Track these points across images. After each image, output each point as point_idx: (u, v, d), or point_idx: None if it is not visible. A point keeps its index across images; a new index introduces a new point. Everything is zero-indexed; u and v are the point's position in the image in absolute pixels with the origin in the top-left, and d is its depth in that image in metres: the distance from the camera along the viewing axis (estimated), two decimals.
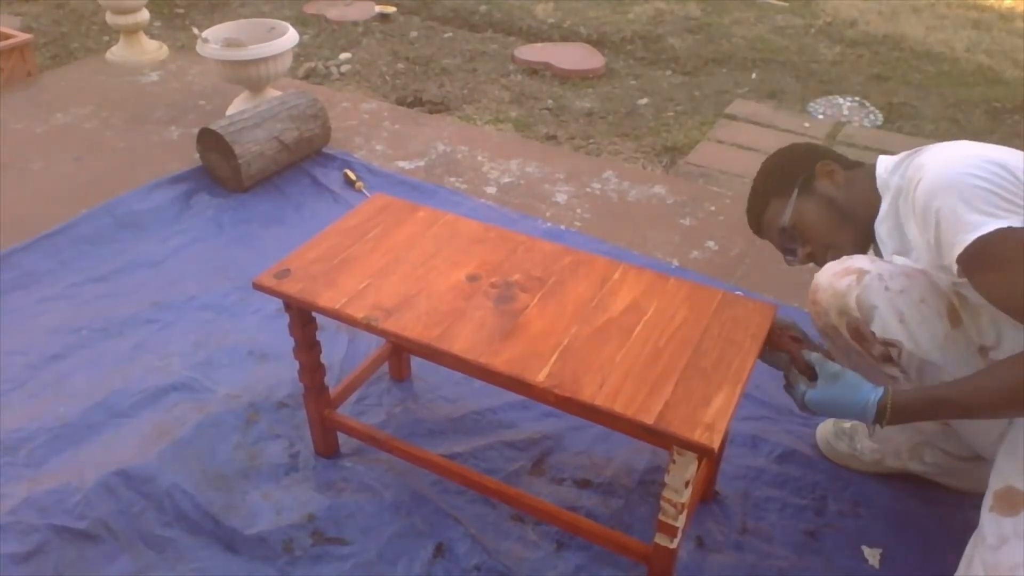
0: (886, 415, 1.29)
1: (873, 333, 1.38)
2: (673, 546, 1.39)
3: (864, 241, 1.49)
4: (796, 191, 1.53)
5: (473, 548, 1.60)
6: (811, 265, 2.46)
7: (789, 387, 1.40)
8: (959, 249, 1.20)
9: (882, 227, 1.44)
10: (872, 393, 1.30)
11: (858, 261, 1.40)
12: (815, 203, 1.51)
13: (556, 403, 1.32)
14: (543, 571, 1.57)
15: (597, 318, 1.44)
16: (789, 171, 1.56)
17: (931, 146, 1.38)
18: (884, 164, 1.46)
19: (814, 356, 1.38)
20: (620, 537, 1.51)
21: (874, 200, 1.45)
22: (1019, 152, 1.30)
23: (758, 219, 1.63)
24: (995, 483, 1.30)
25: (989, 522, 1.28)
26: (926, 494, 1.73)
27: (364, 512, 1.66)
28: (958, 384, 1.28)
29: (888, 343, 1.37)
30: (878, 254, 1.48)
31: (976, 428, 1.46)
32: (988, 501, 1.30)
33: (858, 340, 1.42)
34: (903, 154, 1.44)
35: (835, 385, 1.33)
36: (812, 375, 1.37)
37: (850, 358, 1.47)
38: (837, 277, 1.41)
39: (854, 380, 1.32)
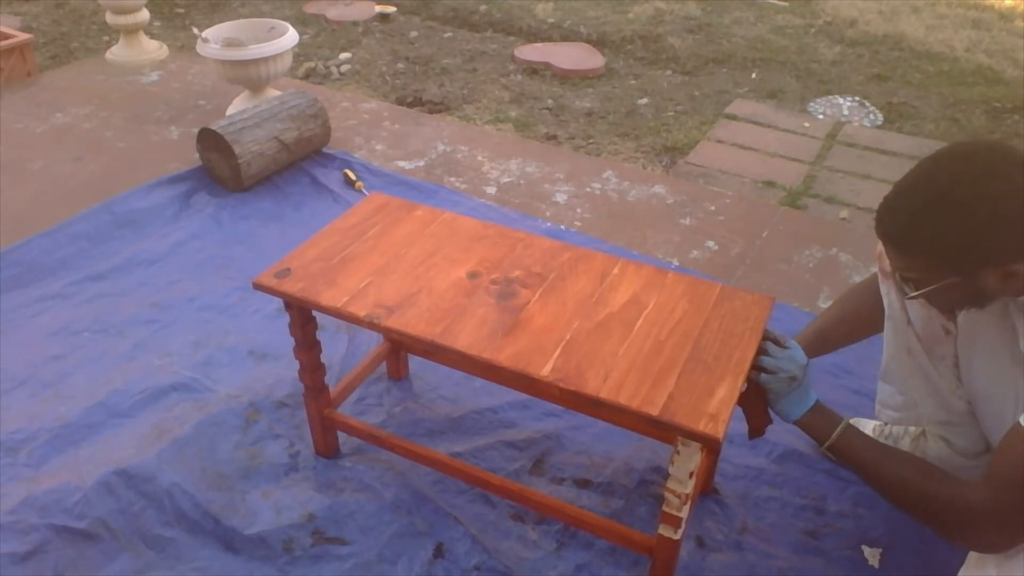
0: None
1: None
2: (677, 537, 1.39)
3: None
4: (962, 276, 1.20)
5: (473, 548, 1.60)
6: (811, 265, 2.49)
7: (773, 357, 1.41)
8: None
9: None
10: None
11: None
12: (965, 288, 1.22)
13: (560, 397, 1.32)
14: (543, 571, 1.56)
15: (598, 313, 1.44)
16: (977, 250, 1.15)
17: None
18: None
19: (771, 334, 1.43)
20: (624, 530, 1.51)
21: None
22: None
23: (902, 246, 1.22)
24: None
25: None
26: None
27: (364, 512, 1.66)
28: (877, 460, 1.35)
29: None
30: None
31: (995, 419, 1.45)
32: None
33: None
34: None
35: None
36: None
37: (906, 305, 1.46)
38: None
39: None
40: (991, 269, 1.16)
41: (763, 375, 1.39)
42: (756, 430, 1.47)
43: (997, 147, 1.15)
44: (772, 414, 1.46)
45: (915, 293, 1.27)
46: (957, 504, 1.23)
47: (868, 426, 1.79)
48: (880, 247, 1.52)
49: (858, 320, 1.63)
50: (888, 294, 1.52)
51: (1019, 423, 1.19)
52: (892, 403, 1.64)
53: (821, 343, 1.65)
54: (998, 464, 1.21)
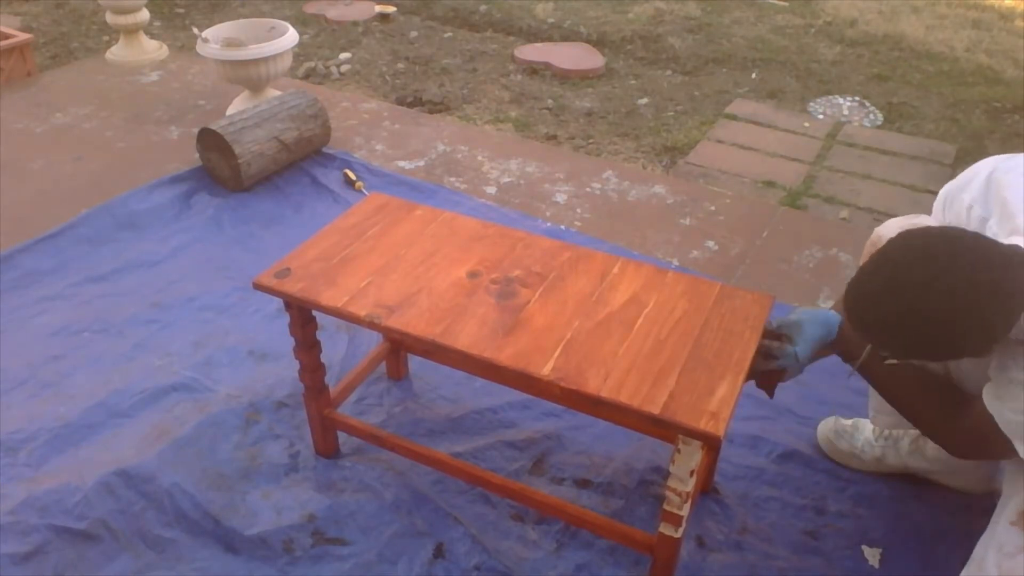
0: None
1: None
2: (678, 535, 1.39)
3: None
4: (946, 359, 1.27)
5: (473, 548, 1.60)
6: (811, 265, 2.49)
7: (775, 357, 1.42)
8: (987, 400, 1.24)
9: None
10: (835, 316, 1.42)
11: (925, 218, 1.42)
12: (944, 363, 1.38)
13: (561, 396, 1.33)
14: (543, 571, 1.56)
15: (598, 312, 1.44)
16: (950, 354, 1.17)
17: None
18: None
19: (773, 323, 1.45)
20: (625, 529, 1.52)
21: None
22: None
23: (881, 341, 1.21)
24: (1020, 501, 1.32)
25: (1010, 534, 1.29)
26: (926, 494, 1.73)
27: (364, 512, 1.66)
28: (910, 392, 1.40)
29: None
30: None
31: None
32: (1010, 515, 1.31)
33: None
34: None
35: (805, 311, 1.43)
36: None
37: None
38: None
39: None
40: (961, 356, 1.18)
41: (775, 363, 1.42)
42: (768, 388, 1.51)
43: (949, 245, 1.11)
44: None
45: (890, 362, 1.26)
46: (945, 437, 1.38)
47: (868, 427, 1.79)
48: (869, 243, 1.53)
49: None
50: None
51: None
52: (886, 408, 1.64)
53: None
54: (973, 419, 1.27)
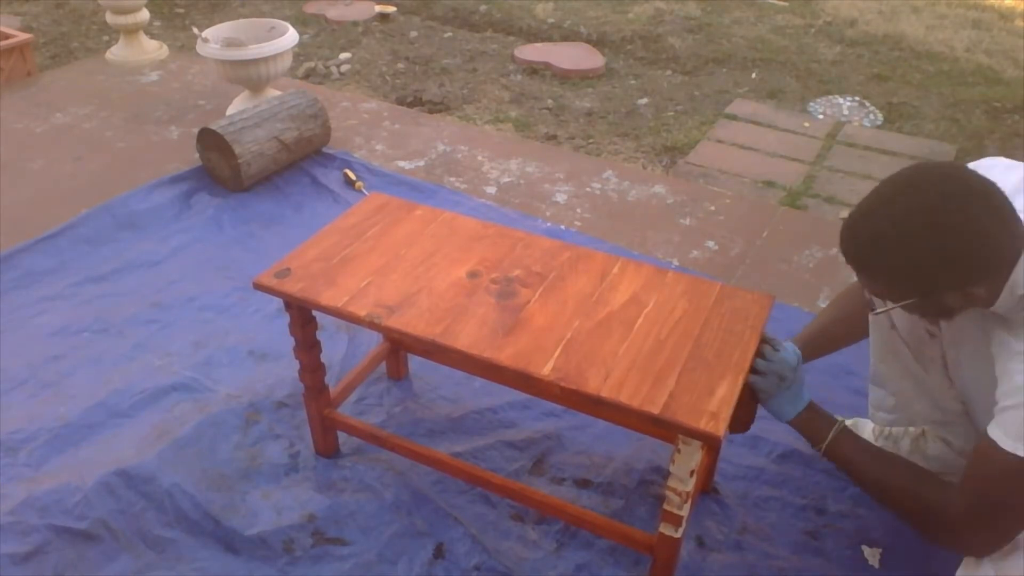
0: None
1: None
2: (678, 535, 1.39)
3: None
4: (922, 297, 1.22)
5: (473, 548, 1.59)
6: (811, 265, 2.49)
7: (767, 359, 1.41)
8: (1000, 433, 1.19)
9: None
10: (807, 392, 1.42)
11: None
12: (932, 305, 1.25)
13: (561, 396, 1.33)
14: (543, 571, 1.56)
15: (598, 312, 1.44)
16: (942, 274, 1.17)
17: None
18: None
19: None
20: (625, 529, 1.51)
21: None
22: None
23: (871, 274, 1.25)
24: None
25: None
26: None
27: (364, 512, 1.66)
28: (876, 460, 1.39)
29: None
30: None
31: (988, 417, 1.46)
32: None
33: None
34: None
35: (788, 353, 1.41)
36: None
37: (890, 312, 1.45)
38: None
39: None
40: (950, 291, 1.19)
41: (753, 375, 1.40)
42: (740, 425, 1.50)
43: (953, 174, 1.16)
44: (765, 413, 1.46)
45: (879, 310, 1.31)
46: (937, 511, 1.29)
47: (868, 427, 1.79)
48: None
49: (854, 319, 1.64)
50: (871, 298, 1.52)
51: (987, 435, 1.21)
52: (884, 405, 1.64)
53: (819, 344, 1.65)
54: (971, 474, 1.25)
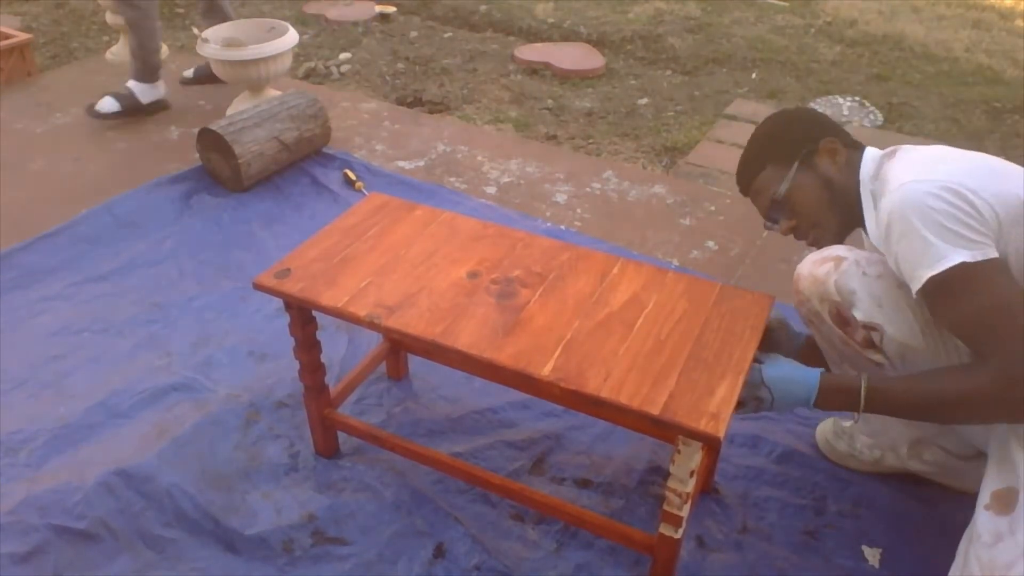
0: (828, 396, 1.35)
1: (855, 317, 1.42)
2: (678, 536, 1.39)
3: (849, 225, 1.51)
4: (797, 163, 1.48)
5: (473, 548, 1.59)
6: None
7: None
8: (918, 284, 1.25)
9: (869, 222, 1.44)
10: (813, 373, 1.36)
11: (836, 250, 1.48)
12: (812, 180, 1.48)
13: (561, 396, 1.33)
14: (543, 571, 1.56)
15: (598, 312, 1.44)
16: (793, 139, 1.50)
17: (901, 151, 1.40)
18: (868, 161, 1.46)
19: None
20: (625, 529, 1.51)
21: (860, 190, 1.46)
22: (979, 160, 1.34)
23: (749, 182, 1.56)
24: (994, 484, 1.31)
25: (985, 520, 1.28)
26: (926, 494, 1.73)
27: (364, 512, 1.66)
28: (912, 384, 1.33)
29: (870, 327, 1.42)
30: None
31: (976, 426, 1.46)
32: (984, 499, 1.31)
33: (841, 325, 1.47)
34: (883, 153, 1.45)
35: (784, 360, 1.39)
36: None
37: (834, 346, 1.52)
38: (816, 265, 1.48)
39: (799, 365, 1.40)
40: (814, 151, 1.47)
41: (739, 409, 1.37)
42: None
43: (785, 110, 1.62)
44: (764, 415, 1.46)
45: (781, 200, 1.50)
46: (983, 392, 1.23)
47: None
48: (793, 301, 1.59)
49: None
50: (816, 338, 1.59)
51: (921, 295, 1.25)
52: (864, 430, 1.72)
53: (814, 350, 1.63)
54: (962, 335, 1.26)
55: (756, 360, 1.40)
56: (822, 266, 1.47)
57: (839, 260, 1.45)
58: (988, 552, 1.25)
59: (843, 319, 1.46)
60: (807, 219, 1.51)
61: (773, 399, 1.36)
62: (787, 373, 1.36)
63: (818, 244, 1.54)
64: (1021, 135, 3.46)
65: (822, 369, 1.37)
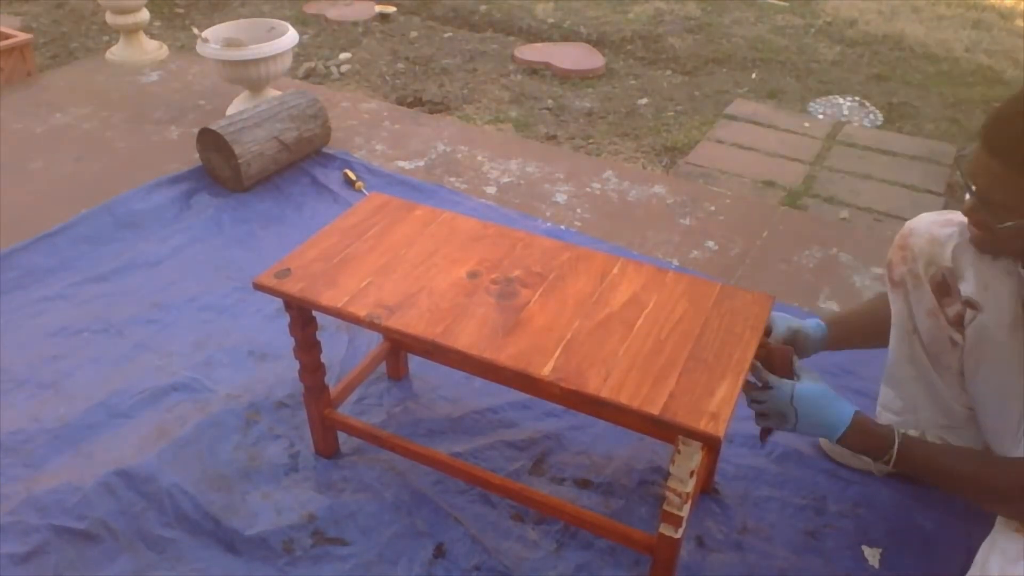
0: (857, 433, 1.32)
1: (959, 290, 1.34)
2: (678, 536, 1.39)
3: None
4: None
5: (473, 548, 1.60)
6: (811, 265, 2.49)
7: (759, 387, 1.39)
8: None
9: None
10: (848, 408, 1.32)
11: (960, 216, 1.33)
12: None
13: (561, 396, 1.32)
14: (543, 571, 1.56)
15: (598, 312, 1.44)
16: None
17: None
18: None
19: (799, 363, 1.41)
20: (625, 529, 1.51)
21: None
22: None
23: (989, 169, 1.17)
24: None
25: (1012, 540, 1.29)
26: (926, 494, 1.73)
27: (364, 512, 1.66)
28: (948, 460, 1.32)
29: (971, 304, 1.33)
30: None
31: (998, 425, 1.46)
32: (1015, 524, 1.30)
33: (939, 294, 1.39)
34: None
35: (820, 383, 1.35)
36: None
37: (914, 315, 1.44)
38: (938, 226, 1.38)
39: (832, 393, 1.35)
40: None
41: (759, 417, 1.39)
42: (763, 433, 1.48)
43: None
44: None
45: (1008, 224, 1.18)
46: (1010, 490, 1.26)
47: None
48: (892, 256, 1.51)
49: (880, 316, 1.60)
50: (895, 302, 1.52)
51: None
52: (893, 407, 1.64)
53: (844, 331, 1.62)
54: None
55: (795, 375, 1.38)
56: (945, 228, 1.37)
57: (963, 228, 1.34)
58: (1012, 567, 1.26)
59: (945, 288, 1.36)
60: (1001, 237, 1.24)
61: (798, 421, 1.34)
62: (819, 398, 1.33)
63: (979, 243, 1.32)
64: None
65: (856, 408, 1.34)
